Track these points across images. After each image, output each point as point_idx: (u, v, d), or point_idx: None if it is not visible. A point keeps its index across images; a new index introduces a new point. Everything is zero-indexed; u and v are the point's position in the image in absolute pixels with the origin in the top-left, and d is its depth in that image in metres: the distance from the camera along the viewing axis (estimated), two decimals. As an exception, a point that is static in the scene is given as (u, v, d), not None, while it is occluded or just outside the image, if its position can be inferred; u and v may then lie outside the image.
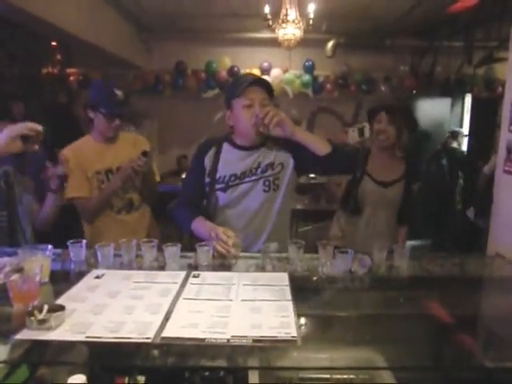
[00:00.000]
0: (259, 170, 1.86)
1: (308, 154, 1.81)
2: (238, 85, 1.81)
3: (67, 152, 2.12)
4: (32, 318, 1.09)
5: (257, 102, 1.77)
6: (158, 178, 3.08)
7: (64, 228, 2.04)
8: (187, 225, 1.83)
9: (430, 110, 6.05)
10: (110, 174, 2.19)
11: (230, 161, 1.88)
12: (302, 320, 1.21)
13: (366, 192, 2.34)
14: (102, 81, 2.27)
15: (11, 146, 1.60)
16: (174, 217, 1.96)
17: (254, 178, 1.86)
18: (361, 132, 2.35)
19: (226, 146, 1.91)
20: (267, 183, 1.86)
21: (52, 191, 1.86)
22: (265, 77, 5.96)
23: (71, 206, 2.16)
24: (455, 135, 5.14)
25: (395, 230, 2.42)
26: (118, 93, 2.07)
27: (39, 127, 1.61)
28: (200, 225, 1.80)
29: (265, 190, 1.86)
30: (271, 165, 1.86)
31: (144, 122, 5.79)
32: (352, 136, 2.36)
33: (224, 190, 1.87)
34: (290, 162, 1.89)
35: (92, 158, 2.18)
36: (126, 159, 2.16)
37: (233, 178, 1.86)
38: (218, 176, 1.88)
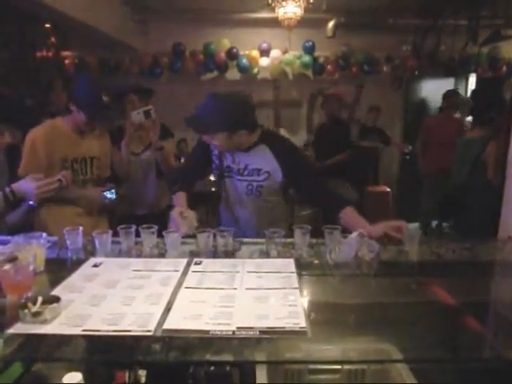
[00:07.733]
0: (246, 172, 1.87)
1: (299, 183, 1.86)
2: None
3: (38, 131, 2.03)
4: (25, 311, 1.03)
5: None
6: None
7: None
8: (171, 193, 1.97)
9: (433, 90, 5.94)
10: (75, 164, 2.12)
11: (227, 154, 1.91)
12: (311, 309, 1.15)
13: None
14: (91, 81, 2.15)
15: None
16: (169, 178, 2.27)
17: (239, 177, 1.89)
18: (147, 114, 2.36)
19: None
20: (250, 187, 1.88)
21: None
22: (264, 58, 5.84)
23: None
24: None
25: None
26: (105, 98, 1.99)
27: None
28: (175, 199, 1.89)
29: (247, 193, 1.90)
30: (258, 170, 1.86)
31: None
32: (137, 118, 2.34)
33: (219, 178, 1.97)
34: (278, 174, 1.85)
35: (64, 145, 2.08)
36: (95, 151, 2.19)
37: (227, 170, 1.92)
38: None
